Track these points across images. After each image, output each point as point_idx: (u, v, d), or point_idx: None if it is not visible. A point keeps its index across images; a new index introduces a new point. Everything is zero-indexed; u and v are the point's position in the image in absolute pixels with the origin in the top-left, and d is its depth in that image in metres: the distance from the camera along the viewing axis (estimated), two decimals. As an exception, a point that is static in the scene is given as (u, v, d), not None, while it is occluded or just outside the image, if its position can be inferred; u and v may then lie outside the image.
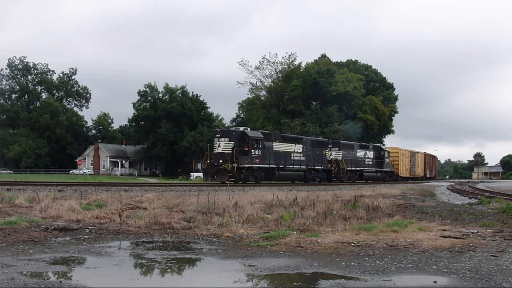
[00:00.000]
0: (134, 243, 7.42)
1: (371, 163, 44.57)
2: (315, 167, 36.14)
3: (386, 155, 47.19)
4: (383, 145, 49.34)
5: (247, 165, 29.40)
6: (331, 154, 39.19)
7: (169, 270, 5.73)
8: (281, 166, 32.38)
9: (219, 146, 29.42)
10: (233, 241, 7.73)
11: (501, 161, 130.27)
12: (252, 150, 29.82)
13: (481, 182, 56.47)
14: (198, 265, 6.11)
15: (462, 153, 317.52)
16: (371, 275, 5.40)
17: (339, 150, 39.79)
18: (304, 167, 34.81)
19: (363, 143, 45.71)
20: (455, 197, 21.81)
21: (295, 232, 8.26)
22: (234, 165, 28.32)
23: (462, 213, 13.07)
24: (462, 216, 12.17)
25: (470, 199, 19.22)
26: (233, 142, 29.20)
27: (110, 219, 9.60)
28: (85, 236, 7.85)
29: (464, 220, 11.17)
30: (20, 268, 5.43)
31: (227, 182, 28.62)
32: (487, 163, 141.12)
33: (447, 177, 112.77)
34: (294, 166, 33.80)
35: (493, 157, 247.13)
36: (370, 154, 44.53)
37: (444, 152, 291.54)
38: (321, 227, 9.06)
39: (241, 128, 31.49)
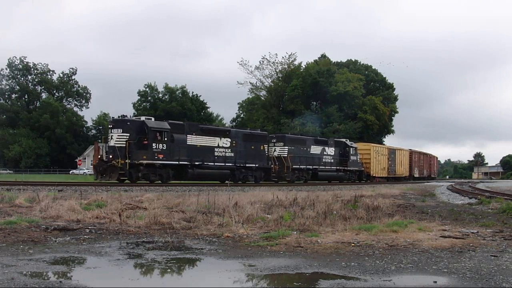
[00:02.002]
0: (134, 243, 7.42)
1: (331, 161, 39.05)
2: (248, 165, 30.76)
3: (352, 152, 41.48)
4: (347, 140, 43.27)
5: (145, 161, 24.92)
6: (274, 150, 34.44)
7: (169, 270, 5.73)
8: (197, 163, 27.46)
9: (111, 138, 24.99)
10: (233, 241, 7.73)
11: (501, 161, 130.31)
12: (154, 144, 25.31)
13: (481, 182, 56.47)
14: (198, 265, 6.11)
15: (462, 153, 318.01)
16: (371, 275, 5.40)
17: (284, 146, 34.68)
18: (231, 164, 29.63)
19: (320, 138, 40.41)
20: (455, 197, 21.82)
21: (295, 232, 8.25)
22: (126, 161, 24.08)
23: (462, 213, 13.07)
24: (462, 216, 12.17)
25: (470, 199, 19.22)
26: (128, 134, 24.68)
27: (110, 219, 9.60)
28: (85, 236, 7.85)
29: (464, 220, 11.17)
30: (20, 268, 5.43)
31: (227, 182, 28.31)
32: (487, 163, 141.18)
33: (447, 177, 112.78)
34: (217, 164, 28.75)
35: (493, 157, 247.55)
36: (330, 150, 38.99)
37: (444, 152, 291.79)
38: (321, 227, 9.06)
39: (142, 118, 26.86)
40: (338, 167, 39.68)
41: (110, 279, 5.35)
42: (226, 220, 9.45)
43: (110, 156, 24.40)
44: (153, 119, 27.29)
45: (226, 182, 28.40)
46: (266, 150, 32.55)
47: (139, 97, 75.75)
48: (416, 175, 57.13)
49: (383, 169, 47.73)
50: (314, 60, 76.26)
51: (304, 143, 36.59)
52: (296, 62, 71.22)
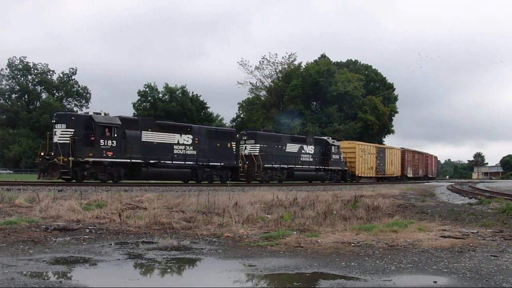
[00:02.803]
0: (134, 243, 7.42)
1: (310, 159, 36.40)
2: (212, 163, 28.59)
3: (334, 150, 38.74)
4: (329, 138, 40.50)
5: (91, 159, 23.22)
6: (245, 148, 32.20)
7: (169, 270, 5.73)
8: (152, 161, 25.54)
9: (55, 134, 23.27)
10: (233, 241, 7.73)
11: (501, 161, 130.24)
12: (102, 140, 23.59)
13: (481, 182, 56.46)
14: (198, 265, 6.11)
15: (462, 153, 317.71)
16: (371, 275, 5.40)
17: (255, 143, 32.21)
18: (192, 163, 27.52)
19: (297, 136, 37.74)
20: (455, 197, 21.82)
21: (295, 232, 8.26)
22: (70, 158, 22.38)
23: (462, 213, 13.07)
24: (462, 216, 12.17)
25: (470, 199, 19.22)
26: (72, 130, 22.96)
27: (110, 219, 9.61)
28: (85, 236, 7.85)
29: (464, 220, 11.17)
30: (20, 268, 5.43)
31: (227, 182, 28.13)
32: (487, 163, 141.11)
33: (447, 177, 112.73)
34: (176, 162, 26.73)
35: (493, 157, 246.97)
36: (309, 149, 36.39)
37: (444, 152, 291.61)
38: (321, 227, 9.06)
39: (91, 113, 24.99)
40: (318, 167, 37.12)
41: (110, 279, 5.35)
42: (226, 220, 9.46)
43: (52, 153, 22.78)
44: (103, 113, 25.34)
45: (227, 182, 28.26)
46: (235, 147, 30.37)
47: (139, 97, 75.71)
48: (410, 175, 54.72)
49: (370, 168, 45.04)
50: (314, 60, 76.28)
51: (279, 140, 34.19)
52: (296, 62, 71.27)
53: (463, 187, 32.11)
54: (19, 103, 78.38)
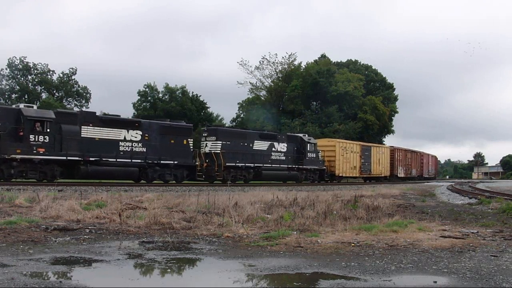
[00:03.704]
0: (134, 243, 7.42)
1: (282, 158, 33.94)
2: (164, 161, 26.45)
3: (310, 148, 36.02)
4: (305, 135, 37.74)
5: (19, 156, 21.21)
6: (206, 146, 30.10)
7: (169, 270, 5.73)
8: (93, 158, 23.43)
9: None
10: (233, 241, 7.73)
11: (501, 161, 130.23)
12: (32, 136, 21.59)
13: (481, 182, 56.44)
14: (198, 265, 6.12)
15: (462, 153, 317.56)
16: (371, 275, 5.40)
17: (217, 140, 29.86)
18: (140, 161, 25.40)
19: (267, 132, 35.56)
20: (455, 197, 21.82)
21: (295, 232, 8.26)
22: None
23: (462, 213, 13.08)
24: (462, 216, 12.18)
25: (470, 199, 19.22)
26: None
27: (110, 219, 9.61)
28: (85, 236, 7.85)
29: (464, 220, 11.18)
30: (20, 268, 5.43)
31: (229, 182, 28.00)
32: (487, 163, 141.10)
33: (447, 177, 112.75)
34: (121, 160, 24.59)
35: (493, 157, 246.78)
36: (281, 147, 34.04)
37: (444, 152, 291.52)
38: (321, 227, 9.07)
39: (21, 105, 23.13)
40: (291, 166, 34.54)
41: (110, 279, 5.35)
42: (226, 220, 9.46)
43: None
44: (35, 107, 23.71)
45: (228, 182, 28.12)
46: (192, 144, 28.25)
47: (139, 97, 75.74)
48: (401, 174, 51.71)
49: (353, 168, 42.20)
50: (314, 60, 76.27)
51: (245, 137, 31.74)
52: (296, 62, 71.22)
53: (463, 187, 32.12)
54: (18, 102, 78.38)
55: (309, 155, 36.09)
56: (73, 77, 75.17)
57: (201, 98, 79.03)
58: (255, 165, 31.88)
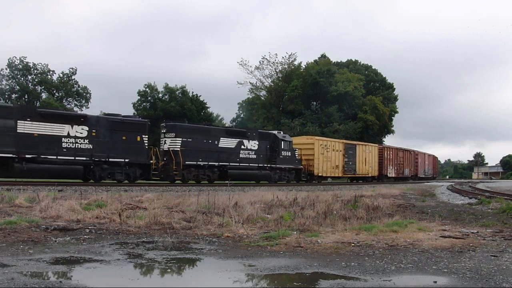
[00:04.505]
0: (134, 243, 7.42)
1: (252, 156, 31.66)
2: (113, 159, 24.47)
3: (285, 146, 33.82)
4: (280, 132, 35.61)
5: None
6: (164, 143, 28.09)
7: (169, 270, 5.73)
8: (29, 156, 21.75)
9: None
10: (233, 241, 7.73)
11: (501, 161, 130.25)
12: None
13: (481, 182, 56.44)
14: (198, 265, 6.12)
15: (462, 153, 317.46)
16: (371, 275, 5.40)
17: (176, 137, 27.69)
18: (85, 158, 23.43)
19: (235, 129, 33.61)
20: (455, 197, 21.82)
21: (295, 232, 8.25)
22: None
23: (462, 213, 13.07)
24: (462, 216, 12.18)
25: (470, 199, 19.23)
26: None
27: (110, 219, 9.61)
28: (85, 236, 7.85)
29: (464, 220, 11.18)
30: (20, 268, 5.43)
31: (227, 182, 27.59)
32: (487, 163, 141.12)
33: (447, 177, 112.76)
34: (62, 157, 22.69)
35: (493, 157, 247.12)
36: (252, 144, 31.74)
37: (444, 152, 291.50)
38: (321, 227, 9.07)
39: None
40: (263, 164, 32.27)
41: (110, 279, 5.35)
42: (226, 220, 9.46)
43: None
44: None
45: (226, 182, 27.92)
46: (146, 141, 26.19)
47: (139, 97, 75.76)
48: (392, 174, 49.47)
49: (335, 167, 39.85)
50: (314, 60, 76.31)
51: (208, 134, 29.63)
52: (296, 62, 71.24)
53: (463, 187, 32.12)
54: (19, 103, 78.42)
55: (284, 153, 33.97)
56: (73, 77, 75.15)
57: (201, 98, 79.09)
58: (220, 164, 29.62)
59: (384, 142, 71.71)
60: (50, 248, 6.75)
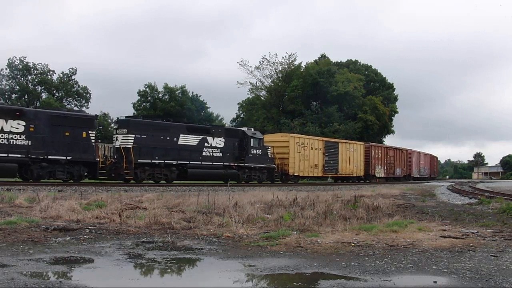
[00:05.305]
0: (134, 243, 7.42)
1: (217, 155, 29.51)
2: (53, 157, 22.42)
3: (254, 144, 31.51)
4: (249, 129, 33.60)
5: None
6: (116, 139, 25.90)
7: (169, 270, 5.73)
8: None
9: None
10: (233, 241, 7.73)
11: (501, 161, 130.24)
12: None
13: (481, 182, 56.43)
14: (198, 265, 6.12)
15: (462, 153, 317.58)
16: (371, 275, 5.40)
17: (128, 133, 25.45)
18: (20, 155, 21.53)
19: (197, 125, 31.60)
20: (455, 197, 21.83)
21: (295, 232, 8.26)
22: None
23: (462, 213, 13.08)
24: (462, 216, 12.18)
25: (470, 199, 19.23)
26: None
27: (110, 219, 9.61)
28: (85, 236, 7.85)
29: (464, 220, 11.18)
30: (20, 268, 5.43)
31: (227, 182, 27.45)
32: (487, 163, 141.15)
33: (447, 177, 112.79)
34: None
35: (493, 157, 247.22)
36: (217, 142, 29.58)
37: (444, 152, 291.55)
38: (321, 227, 9.07)
39: None
40: (229, 163, 30.08)
41: (110, 279, 5.35)
42: (226, 220, 9.46)
43: None
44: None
45: (227, 182, 27.82)
46: (93, 138, 24.22)
47: (139, 97, 75.77)
48: (380, 174, 47.08)
49: (313, 166, 37.40)
50: (314, 60, 76.34)
51: (166, 130, 27.47)
52: (296, 62, 71.26)
53: (463, 187, 32.12)
54: (19, 103, 78.37)
55: (253, 151, 31.56)
56: (73, 77, 75.17)
57: (201, 98, 79.11)
58: (179, 162, 27.51)
59: (384, 142, 71.70)
60: (50, 248, 6.75)
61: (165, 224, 9.06)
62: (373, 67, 79.34)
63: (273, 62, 70.06)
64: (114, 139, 26.36)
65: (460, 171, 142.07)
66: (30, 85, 73.48)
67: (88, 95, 79.64)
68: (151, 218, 9.48)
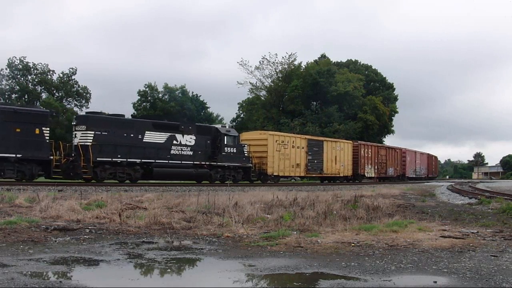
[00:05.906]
0: (134, 243, 7.42)
1: (188, 153, 27.81)
2: (1, 154, 21.01)
3: (228, 141, 29.90)
4: (223, 126, 32.16)
5: None
6: (75, 136, 24.40)
7: (169, 270, 5.73)
8: None
9: None
10: (233, 241, 7.73)
11: (501, 161, 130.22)
12: None
13: (481, 182, 56.41)
14: (198, 265, 6.12)
15: (462, 153, 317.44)
16: (371, 275, 5.40)
17: (87, 130, 24.00)
18: None
19: (165, 122, 29.79)
20: (455, 197, 21.82)
21: (295, 232, 8.26)
22: None
23: (462, 213, 13.07)
24: (462, 216, 12.18)
25: (470, 199, 19.22)
26: None
27: (110, 219, 9.61)
28: (85, 236, 7.86)
29: (464, 220, 11.18)
30: (20, 268, 5.43)
31: (227, 182, 27.11)
32: (487, 163, 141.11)
33: (447, 177, 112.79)
34: None
35: (493, 157, 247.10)
36: (187, 139, 27.88)
37: (444, 152, 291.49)
38: (321, 227, 9.07)
39: None
40: (200, 162, 28.23)
41: (110, 279, 5.35)
42: (226, 220, 9.46)
43: None
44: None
45: (226, 182, 27.78)
46: (47, 135, 22.75)
47: (139, 97, 75.77)
48: (371, 174, 45.14)
49: (295, 166, 35.71)
50: (314, 60, 76.36)
51: (130, 127, 25.95)
52: (296, 62, 71.26)
53: (463, 187, 32.11)
54: (19, 103, 78.37)
55: (227, 149, 29.84)
56: (73, 77, 75.16)
57: (201, 98, 79.13)
58: (143, 160, 25.79)
59: (384, 142, 71.71)
60: (50, 248, 6.75)
61: (165, 224, 9.06)
62: (373, 67, 79.35)
63: (273, 62, 70.06)
64: (73, 136, 24.83)
65: (460, 171, 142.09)
66: (30, 85, 73.47)
67: (88, 95, 79.57)
68: (151, 218, 9.48)
